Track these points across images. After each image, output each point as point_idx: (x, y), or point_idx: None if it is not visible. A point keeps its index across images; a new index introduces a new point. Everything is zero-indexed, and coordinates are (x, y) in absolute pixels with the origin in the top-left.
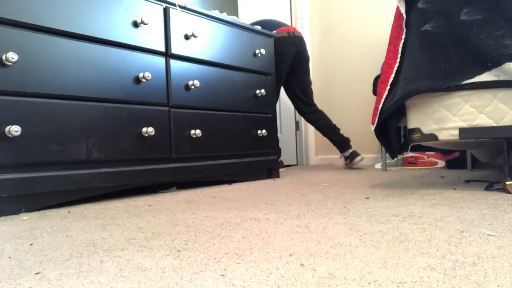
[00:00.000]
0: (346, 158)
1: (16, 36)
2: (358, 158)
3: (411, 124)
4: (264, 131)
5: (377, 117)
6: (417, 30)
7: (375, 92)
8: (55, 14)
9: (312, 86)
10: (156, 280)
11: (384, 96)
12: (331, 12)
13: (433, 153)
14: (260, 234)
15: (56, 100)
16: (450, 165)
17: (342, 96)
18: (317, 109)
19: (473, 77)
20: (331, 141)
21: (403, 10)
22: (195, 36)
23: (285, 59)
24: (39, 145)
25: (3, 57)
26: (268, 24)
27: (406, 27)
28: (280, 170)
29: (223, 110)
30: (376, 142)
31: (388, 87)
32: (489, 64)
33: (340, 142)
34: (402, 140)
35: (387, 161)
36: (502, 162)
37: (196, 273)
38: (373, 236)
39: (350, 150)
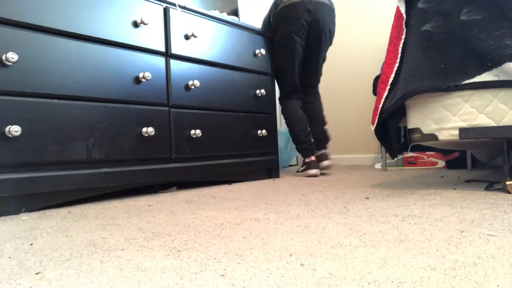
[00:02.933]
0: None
1: (16, 36)
2: (313, 171)
3: (411, 124)
4: (264, 131)
5: (377, 117)
6: (417, 30)
7: (375, 92)
8: (55, 14)
9: None
10: (156, 280)
11: (384, 96)
12: None
13: (433, 153)
14: (260, 234)
15: (56, 100)
16: (450, 165)
17: (342, 96)
18: (316, 97)
19: (473, 77)
20: (313, 133)
21: (403, 10)
22: (195, 36)
23: (293, 29)
24: (39, 145)
25: (3, 57)
26: None
27: (406, 27)
28: (326, 163)
29: (223, 110)
30: (376, 142)
31: (388, 87)
32: (489, 64)
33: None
34: (402, 140)
35: (387, 161)
36: (502, 162)
37: (196, 273)
38: (373, 236)
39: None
